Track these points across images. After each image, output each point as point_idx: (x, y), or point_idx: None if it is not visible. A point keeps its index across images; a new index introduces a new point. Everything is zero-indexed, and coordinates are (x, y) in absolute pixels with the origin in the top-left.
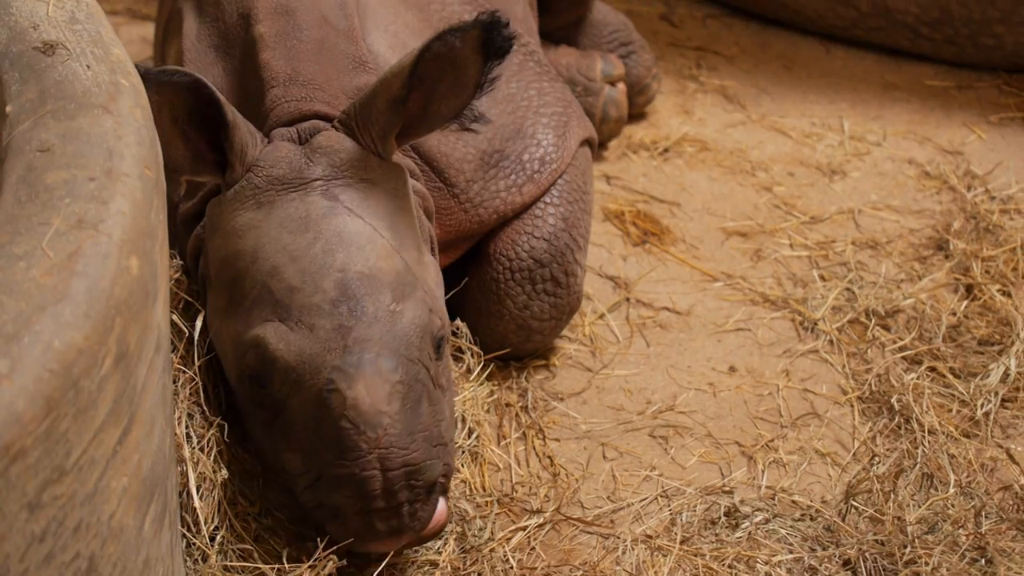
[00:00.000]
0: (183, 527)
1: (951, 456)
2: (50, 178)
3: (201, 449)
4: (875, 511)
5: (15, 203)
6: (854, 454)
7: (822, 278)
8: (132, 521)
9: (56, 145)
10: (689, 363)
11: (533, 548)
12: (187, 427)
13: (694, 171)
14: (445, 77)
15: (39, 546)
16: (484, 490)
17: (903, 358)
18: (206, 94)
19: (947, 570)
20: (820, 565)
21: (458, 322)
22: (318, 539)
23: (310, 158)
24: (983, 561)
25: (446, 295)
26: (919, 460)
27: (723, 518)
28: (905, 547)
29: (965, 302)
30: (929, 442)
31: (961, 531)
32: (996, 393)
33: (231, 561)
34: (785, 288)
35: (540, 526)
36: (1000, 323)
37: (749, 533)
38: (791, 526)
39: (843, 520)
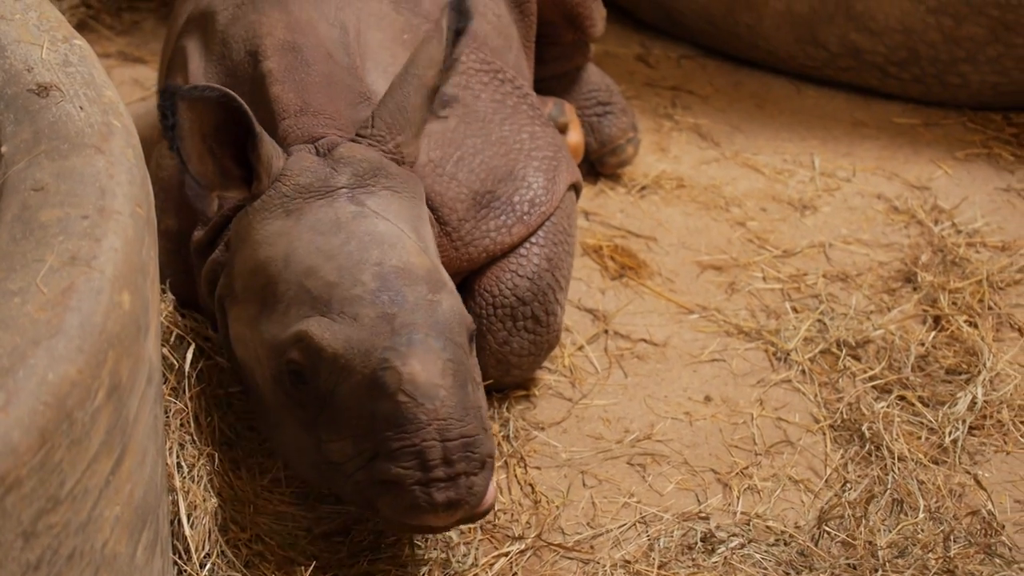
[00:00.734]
0: (174, 554)
1: (920, 482)
2: (44, 216)
3: (191, 478)
4: (847, 536)
5: (10, 240)
6: (826, 481)
7: (794, 310)
8: (125, 549)
9: (50, 184)
10: (666, 393)
11: (515, 574)
12: (178, 456)
13: (670, 207)
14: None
15: (34, 574)
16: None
17: (873, 387)
18: (235, 107)
19: None
20: None
21: None
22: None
23: (334, 168)
24: None
25: None
26: (889, 486)
27: (700, 543)
28: (876, 571)
29: (933, 333)
30: (899, 468)
31: (930, 555)
32: (964, 421)
33: None
34: (758, 320)
35: (522, 552)
36: (967, 353)
37: (725, 558)
38: (766, 551)
39: (816, 545)
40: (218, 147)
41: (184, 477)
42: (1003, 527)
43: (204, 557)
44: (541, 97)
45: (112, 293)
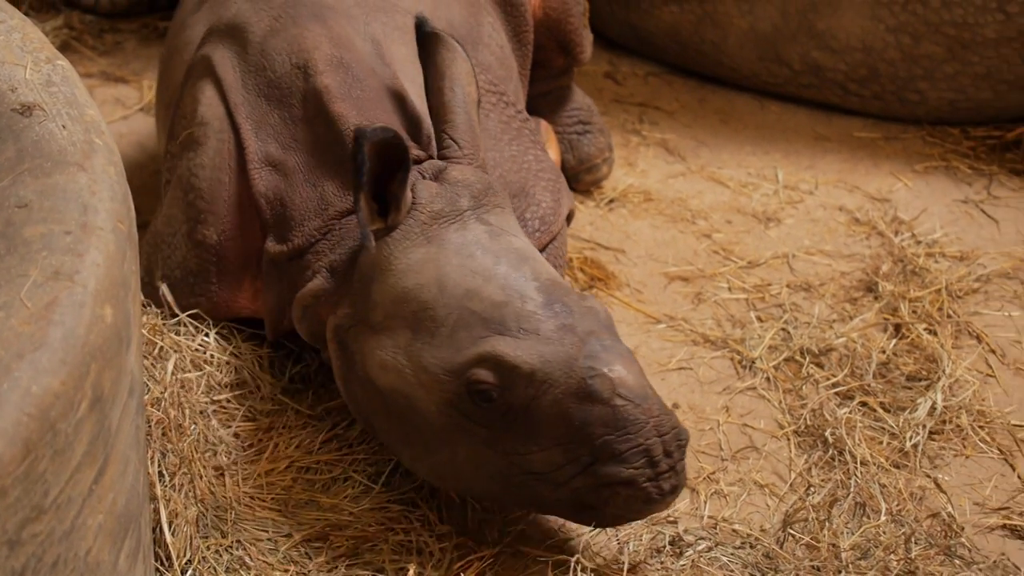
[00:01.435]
0: (156, 561)
1: (882, 486)
2: (28, 232)
3: (173, 487)
4: (811, 538)
5: None
6: (791, 485)
7: (759, 319)
8: (108, 556)
9: (34, 201)
10: None
11: None
12: (159, 465)
13: (638, 220)
14: None
15: None
16: (442, 523)
17: (836, 394)
18: (402, 147)
19: None
20: None
21: None
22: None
23: (455, 191)
24: None
25: None
26: (852, 490)
27: (668, 547)
28: (840, 572)
29: (894, 340)
30: (861, 473)
31: (892, 556)
32: (924, 426)
33: None
34: (724, 329)
35: (496, 556)
36: (927, 360)
37: (693, 561)
38: (732, 553)
39: (781, 547)
40: (368, 183)
41: (166, 486)
42: (962, 529)
43: (186, 564)
44: None
45: (94, 307)
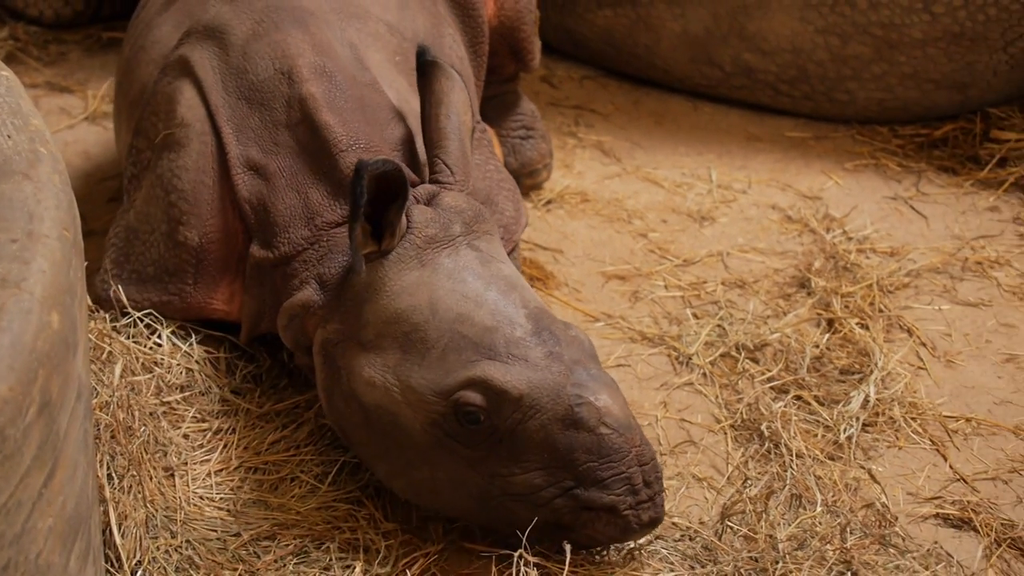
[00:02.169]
0: (106, 563)
1: (817, 477)
2: None
3: (122, 489)
4: (749, 530)
5: None
6: (728, 478)
7: (695, 316)
8: (58, 559)
9: None
10: None
11: (434, 573)
12: (109, 468)
13: (575, 220)
14: None
15: None
16: (388, 521)
17: (771, 388)
18: (401, 178)
19: None
20: None
21: None
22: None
23: (448, 218)
24: (849, 574)
25: None
26: (788, 482)
27: None
28: (777, 563)
29: (827, 335)
30: (797, 465)
31: (828, 546)
32: (857, 418)
33: None
34: (661, 326)
35: (441, 552)
36: (859, 354)
37: (633, 554)
38: (672, 546)
39: (720, 539)
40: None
41: (115, 488)
42: (896, 519)
43: (135, 565)
44: None
45: (41, 313)
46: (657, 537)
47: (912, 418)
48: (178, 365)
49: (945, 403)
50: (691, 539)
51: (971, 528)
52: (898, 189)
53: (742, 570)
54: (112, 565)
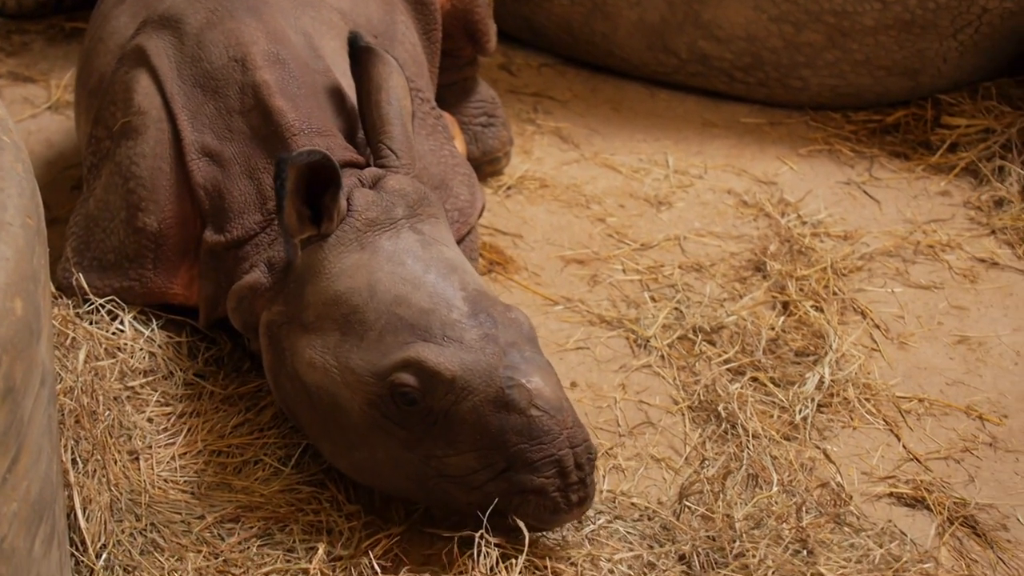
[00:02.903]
0: (71, 547)
1: (773, 457)
2: None
3: (86, 473)
4: (706, 510)
5: None
6: (686, 458)
7: (653, 299)
8: (23, 543)
9: None
10: None
11: (396, 554)
12: (73, 453)
13: (534, 205)
14: None
15: None
16: (351, 503)
17: (728, 370)
18: (331, 167)
19: (772, 561)
20: (658, 561)
21: None
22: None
23: (391, 200)
24: (805, 552)
25: None
26: (745, 462)
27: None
28: (734, 541)
29: (782, 318)
30: (753, 445)
31: (784, 525)
32: (812, 399)
33: None
34: (619, 309)
35: (403, 534)
36: (814, 336)
37: (593, 534)
38: (631, 526)
39: (678, 519)
40: (296, 199)
41: (79, 472)
42: (851, 498)
43: (100, 548)
44: None
45: (5, 300)
46: (616, 517)
47: (866, 399)
48: (141, 350)
49: (898, 384)
50: (649, 519)
51: (924, 507)
52: (851, 174)
53: (700, 549)
54: (77, 549)
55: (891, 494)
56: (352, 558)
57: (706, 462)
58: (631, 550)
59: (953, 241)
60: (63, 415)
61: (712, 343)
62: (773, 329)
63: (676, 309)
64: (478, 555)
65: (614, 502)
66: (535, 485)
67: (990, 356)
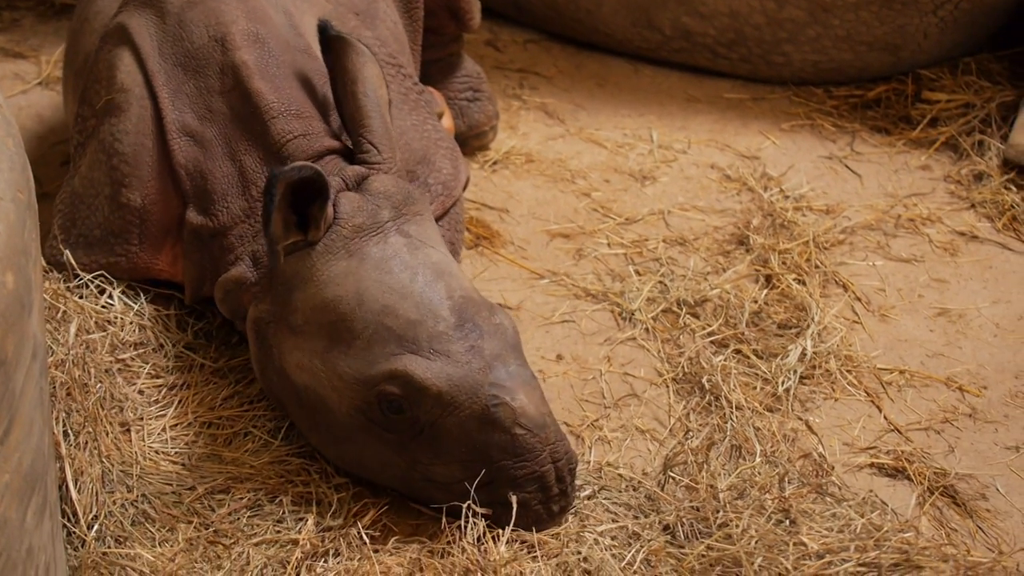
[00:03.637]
0: (63, 518)
1: (756, 429)
2: None
3: (77, 445)
4: (690, 480)
5: None
6: (670, 430)
7: (637, 273)
8: (15, 514)
9: None
10: None
11: (384, 523)
12: (64, 425)
13: (520, 180)
14: None
15: None
16: (339, 474)
17: (712, 342)
18: (320, 180)
19: (755, 531)
20: (643, 531)
21: None
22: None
23: (376, 203)
24: (787, 522)
25: None
26: (728, 433)
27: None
28: (718, 512)
29: (765, 291)
30: (737, 417)
31: (767, 496)
32: (795, 371)
33: (109, 547)
34: (605, 283)
35: (391, 503)
36: (796, 308)
37: (579, 504)
38: (615, 497)
39: (662, 490)
40: (283, 206)
41: (71, 444)
42: (833, 468)
43: (92, 519)
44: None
45: None
46: (602, 488)
47: (848, 370)
48: (131, 323)
49: (879, 356)
50: (634, 490)
51: (905, 477)
52: (833, 149)
53: (684, 519)
54: (69, 520)
55: (872, 464)
56: (341, 528)
57: (690, 433)
58: (616, 521)
59: (933, 215)
60: (55, 388)
61: (696, 316)
62: (756, 302)
63: (660, 282)
64: (465, 526)
65: (600, 473)
66: (519, 499)
67: (970, 328)
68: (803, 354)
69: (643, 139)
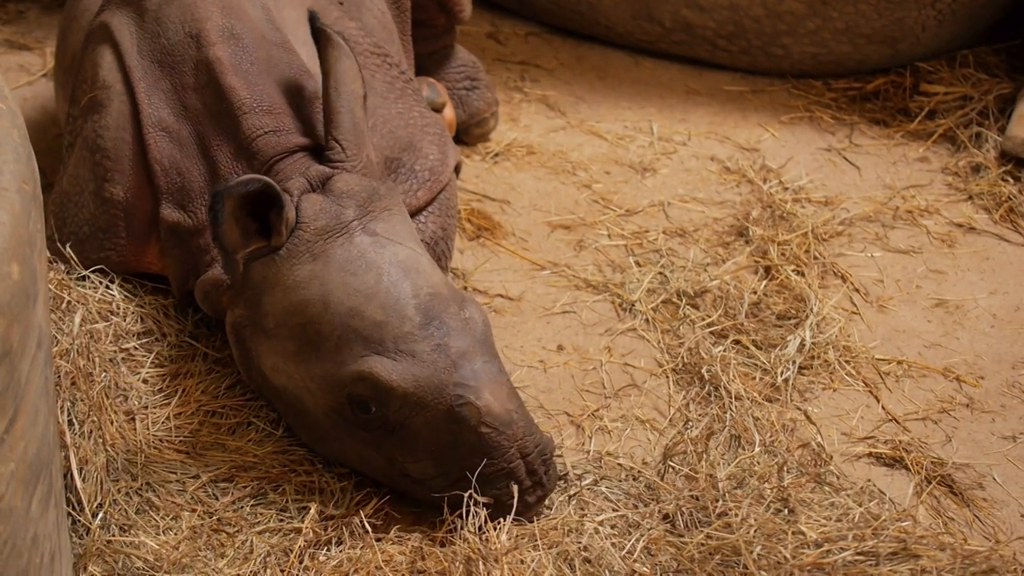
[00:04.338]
0: (68, 506)
1: (755, 419)
2: None
3: (82, 434)
4: (690, 470)
5: None
6: (670, 420)
7: (637, 264)
8: (20, 502)
9: None
10: (522, 343)
11: (385, 512)
12: (69, 414)
13: (521, 172)
14: None
15: None
16: (342, 465)
17: (711, 333)
18: (270, 191)
19: (754, 520)
20: (643, 520)
21: None
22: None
23: (340, 203)
24: (786, 511)
25: None
26: (727, 423)
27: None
28: (717, 501)
29: (764, 282)
30: (736, 407)
31: (766, 485)
32: (794, 362)
33: (113, 535)
34: (605, 274)
35: (392, 494)
36: (795, 299)
37: (580, 493)
38: (616, 486)
39: (662, 479)
40: (242, 215)
41: (75, 433)
42: (831, 458)
43: (96, 507)
44: (420, 78)
45: (1, 264)
46: (602, 477)
47: (846, 361)
48: (133, 313)
49: (877, 346)
50: (634, 479)
51: (902, 466)
52: (832, 141)
53: (683, 508)
54: (74, 508)
55: (870, 454)
56: (344, 517)
57: (690, 423)
58: (615, 510)
59: (931, 206)
60: (59, 377)
61: (696, 307)
62: (755, 293)
63: (660, 274)
64: (467, 515)
65: (600, 462)
66: (491, 495)
67: (967, 319)
68: (802, 345)
69: (643, 131)
